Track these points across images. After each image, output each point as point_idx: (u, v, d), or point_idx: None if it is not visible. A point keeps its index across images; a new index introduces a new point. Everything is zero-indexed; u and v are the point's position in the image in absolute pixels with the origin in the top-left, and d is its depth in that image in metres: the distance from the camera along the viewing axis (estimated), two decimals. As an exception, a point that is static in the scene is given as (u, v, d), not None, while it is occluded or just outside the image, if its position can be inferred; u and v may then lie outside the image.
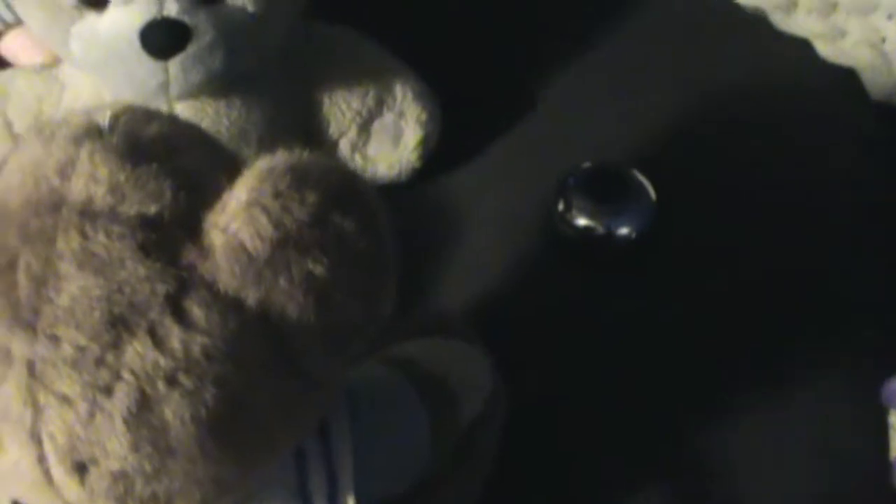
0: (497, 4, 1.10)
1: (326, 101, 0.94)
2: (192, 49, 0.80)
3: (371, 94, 0.94)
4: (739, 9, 1.10)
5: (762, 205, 0.99)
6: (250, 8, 0.81)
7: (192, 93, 0.84)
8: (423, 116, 0.96)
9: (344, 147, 0.95)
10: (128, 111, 0.50)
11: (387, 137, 0.96)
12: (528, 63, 1.07)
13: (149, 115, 0.51)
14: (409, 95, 0.96)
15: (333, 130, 0.95)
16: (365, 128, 0.95)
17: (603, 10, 1.11)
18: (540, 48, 1.08)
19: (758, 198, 0.99)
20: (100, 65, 0.82)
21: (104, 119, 0.49)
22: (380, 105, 0.95)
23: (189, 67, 0.81)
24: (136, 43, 0.79)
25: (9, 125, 0.91)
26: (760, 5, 1.09)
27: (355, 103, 0.94)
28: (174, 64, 0.80)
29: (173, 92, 0.83)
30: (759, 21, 1.10)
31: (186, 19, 0.79)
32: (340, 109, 0.94)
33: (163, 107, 0.85)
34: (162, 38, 0.79)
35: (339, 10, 0.97)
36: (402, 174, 0.97)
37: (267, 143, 0.89)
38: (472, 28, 1.09)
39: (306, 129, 0.94)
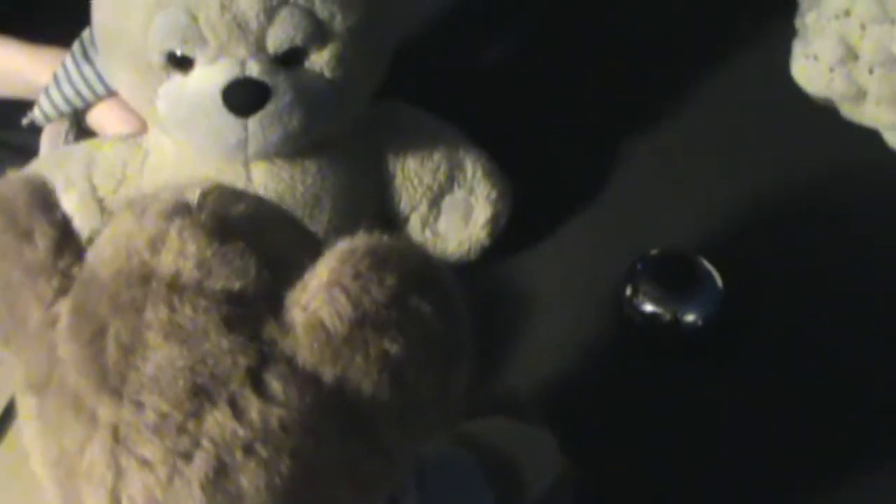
0: (573, 91, 1.12)
1: (399, 175, 0.96)
2: (270, 108, 0.83)
3: (442, 169, 0.96)
4: (808, 99, 1.10)
5: (829, 294, 0.99)
6: (328, 74, 0.85)
7: (268, 153, 0.88)
8: (494, 194, 0.97)
9: (415, 222, 0.97)
10: (216, 190, 0.52)
11: (457, 214, 0.97)
12: (599, 148, 1.09)
13: (236, 194, 0.53)
14: (480, 173, 0.97)
15: (405, 205, 0.97)
16: (436, 203, 0.97)
17: (673, 100, 1.13)
18: (611, 134, 1.10)
19: (825, 287, 1.00)
20: (184, 122, 0.86)
21: (194, 197, 0.51)
22: (451, 181, 0.97)
23: (267, 125, 0.84)
24: (219, 100, 0.83)
25: (94, 189, 0.95)
26: (829, 96, 1.09)
27: (427, 178, 0.96)
28: (253, 121, 0.84)
29: (251, 149, 0.86)
30: (827, 112, 1.10)
31: (266, 80, 0.83)
32: (412, 184, 0.96)
33: (241, 168, 0.89)
34: (243, 96, 0.83)
35: (415, 89, 1.00)
36: (471, 251, 0.98)
37: (340, 212, 0.92)
38: (544, 111, 1.11)
39: (379, 202, 0.96)
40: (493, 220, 0.98)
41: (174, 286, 0.48)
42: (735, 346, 0.96)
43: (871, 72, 1.05)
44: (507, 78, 1.13)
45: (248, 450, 0.47)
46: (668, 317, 0.94)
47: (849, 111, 1.10)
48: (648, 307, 0.94)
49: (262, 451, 0.48)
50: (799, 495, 0.88)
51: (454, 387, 0.52)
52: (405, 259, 0.50)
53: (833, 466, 0.89)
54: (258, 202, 0.54)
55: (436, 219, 0.98)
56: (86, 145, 0.97)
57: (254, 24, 0.81)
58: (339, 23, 0.83)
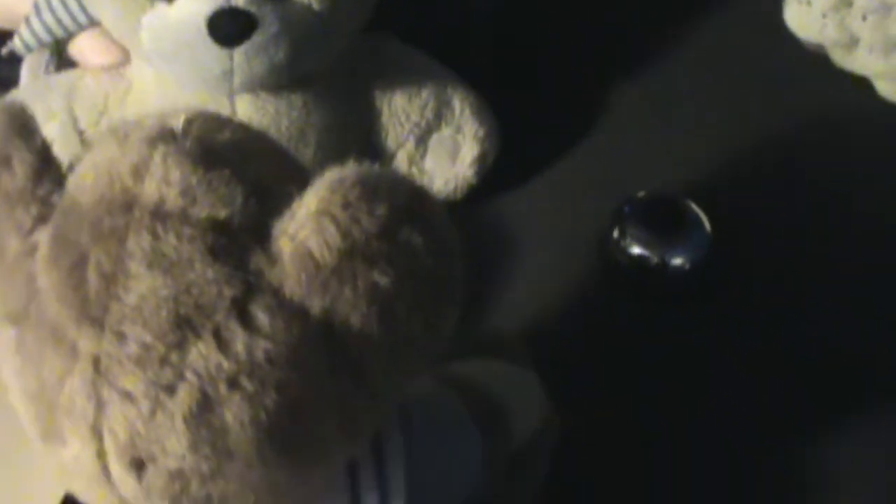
0: (560, 32, 1.11)
1: (386, 111, 0.95)
2: (256, 38, 0.82)
3: (430, 106, 0.95)
4: (800, 46, 1.09)
5: (817, 240, 0.99)
6: (316, 6, 0.83)
7: (254, 85, 0.86)
8: (481, 132, 0.96)
9: (401, 159, 0.96)
10: (201, 117, 0.51)
11: (444, 152, 0.96)
12: (588, 90, 1.08)
13: (222, 122, 0.52)
14: (468, 111, 0.96)
15: (392, 141, 0.96)
16: (423, 140, 0.96)
17: (664, 42, 1.11)
18: (600, 76, 1.09)
19: (813, 231, 0.99)
20: (168, 54, 0.84)
21: (178, 123, 0.50)
22: (438, 118, 0.96)
23: (252, 57, 0.82)
24: (204, 30, 0.81)
25: (75, 120, 0.93)
26: (821, 42, 1.08)
27: (414, 115, 0.95)
28: (239, 53, 0.82)
29: (236, 81, 0.84)
30: (819, 58, 1.09)
31: (253, 9, 0.81)
32: (399, 121, 0.95)
33: (225, 100, 0.87)
34: (228, 26, 0.81)
35: (403, 27, 0.98)
36: (457, 190, 0.97)
37: (325, 147, 0.91)
38: (534, 52, 1.09)
39: (365, 138, 0.95)
40: (481, 159, 0.97)
41: (158, 214, 0.47)
42: (722, 290, 0.95)
43: (864, 19, 1.04)
44: (498, 20, 1.11)
45: (233, 383, 0.46)
46: (655, 260, 0.93)
47: (840, 58, 1.09)
48: (635, 250, 0.93)
49: (247, 385, 0.46)
50: (788, 440, 0.87)
51: (444, 323, 0.51)
52: (396, 190, 0.49)
53: (822, 410, 0.89)
54: (244, 130, 0.53)
55: (422, 156, 0.97)
56: (67, 75, 0.96)
57: None
58: None
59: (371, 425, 0.53)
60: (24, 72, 0.99)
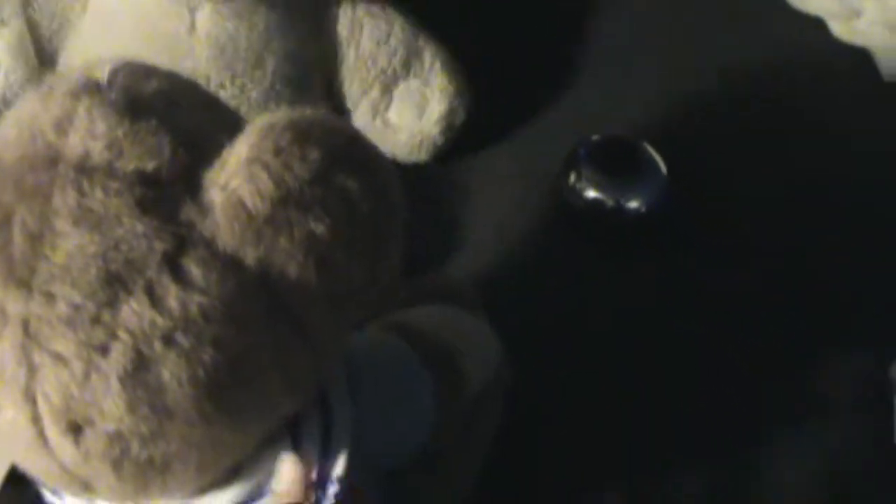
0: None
1: (352, 53, 0.92)
2: None
3: (399, 54, 0.93)
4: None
5: (772, 181, 0.98)
6: None
7: None
8: (451, 88, 0.94)
9: (365, 109, 0.93)
10: (127, 66, 0.49)
11: (410, 104, 0.94)
12: (539, 34, 1.06)
13: (148, 71, 0.50)
14: (438, 64, 0.94)
15: (356, 87, 0.93)
16: (389, 90, 0.94)
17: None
18: (555, 20, 1.07)
19: (767, 174, 0.98)
20: None
21: (103, 74, 0.48)
22: (407, 69, 0.94)
23: None
24: None
25: (35, 26, 0.87)
26: (776, -16, 1.07)
27: (381, 61, 0.93)
28: None
29: None
30: None
31: None
32: (366, 65, 0.92)
33: (185, 12, 0.85)
34: None
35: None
36: (423, 147, 0.94)
37: (283, 77, 0.88)
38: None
39: (330, 80, 0.93)
40: (448, 116, 0.94)
41: (83, 168, 0.45)
42: (679, 232, 0.94)
43: (818, -40, 1.03)
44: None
45: (168, 340, 0.45)
46: (610, 203, 0.92)
47: (795, -1, 1.08)
48: (590, 193, 0.92)
49: (183, 341, 0.45)
50: (750, 381, 0.87)
51: (383, 270, 0.50)
52: (330, 133, 0.47)
53: (782, 349, 0.89)
54: (171, 78, 0.51)
55: (387, 107, 0.94)
56: None
57: None
58: None
59: (314, 376, 0.52)
60: None
